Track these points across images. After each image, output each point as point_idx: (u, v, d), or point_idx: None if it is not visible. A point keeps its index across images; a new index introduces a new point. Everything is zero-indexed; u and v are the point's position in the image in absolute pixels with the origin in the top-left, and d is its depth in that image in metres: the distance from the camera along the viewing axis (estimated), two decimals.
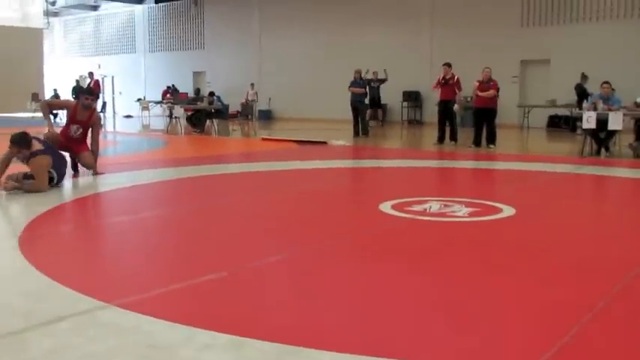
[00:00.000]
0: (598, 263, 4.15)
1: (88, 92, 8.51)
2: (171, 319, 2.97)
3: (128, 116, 27.55)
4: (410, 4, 21.63)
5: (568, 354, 2.65)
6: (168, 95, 24.36)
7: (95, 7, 32.38)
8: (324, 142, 13.41)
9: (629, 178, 8.74)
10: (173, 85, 25.86)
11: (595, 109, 10.98)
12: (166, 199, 6.95)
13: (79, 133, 8.09)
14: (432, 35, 21.26)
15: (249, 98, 22.73)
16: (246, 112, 18.94)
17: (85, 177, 8.03)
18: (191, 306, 3.26)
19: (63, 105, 10.88)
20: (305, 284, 3.67)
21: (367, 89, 16.57)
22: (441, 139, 13.38)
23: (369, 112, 17.81)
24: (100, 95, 23.45)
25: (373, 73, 19.99)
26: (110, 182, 7.61)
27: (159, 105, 24.10)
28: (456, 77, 13.31)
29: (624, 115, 10.87)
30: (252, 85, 23.63)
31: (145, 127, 21.38)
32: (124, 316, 3.03)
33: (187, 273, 3.82)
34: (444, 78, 13.33)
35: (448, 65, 13.39)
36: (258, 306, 3.26)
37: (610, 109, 10.89)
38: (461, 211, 5.78)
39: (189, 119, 17.96)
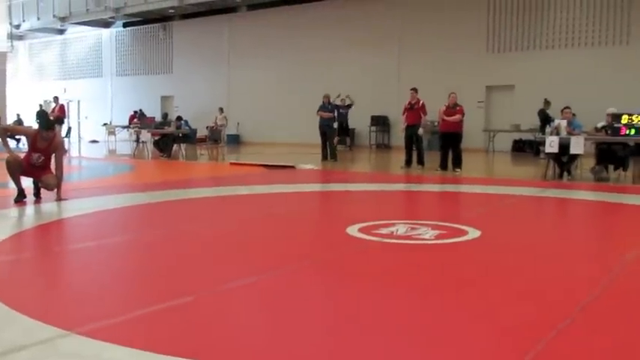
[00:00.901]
0: (560, 283, 4.21)
1: (47, 127, 8.06)
2: (134, 346, 2.92)
3: (94, 141, 27.23)
4: (379, 31, 21.93)
5: None
6: (135, 120, 24.16)
7: (62, 31, 32.12)
8: (292, 167, 13.44)
9: (591, 201, 8.90)
10: (140, 110, 25.67)
11: (557, 133, 11.20)
12: (131, 225, 6.87)
13: (40, 160, 7.93)
14: (400, 61, 21.56)
15: (219, 123, 22.67)
16: (214, 136, 18.88)
17: (49, 203, 7.89)
18: (155, 332, 3.22)
19: (22, 132, 10.67)
20: (272, 308, 3.65)
21: (336, 114, 16.69)
22: (408, 163, 13.50)
23: (337, 136, 17.91)
24: (65, 120, 23.12)
25: (341, 100, 20.21)
26: (74, 208, 7.49)
27: (125, 129, 23.88)
28: (421, 102, 13.48)
29: (585, 139, 11.11)
30: (221, 109, 23.58)
31: (111, 151, 21.17)
32: (85, 344, 2.97)
33: (151, 299, 3.77)
34: (409, 103, 13.50)
35: (415, 90, 13.57)
36: (223, 330, 3.23)
37: (572, 134, 11.13)
38: (427, 234, 5.82)
39: (156, 144, 17.84)
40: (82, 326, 3.17)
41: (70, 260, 5.11)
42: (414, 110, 13.46)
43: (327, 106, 15.77)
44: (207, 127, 21.87)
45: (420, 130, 13.61)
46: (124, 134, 24.92)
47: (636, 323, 3.40)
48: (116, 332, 3.15)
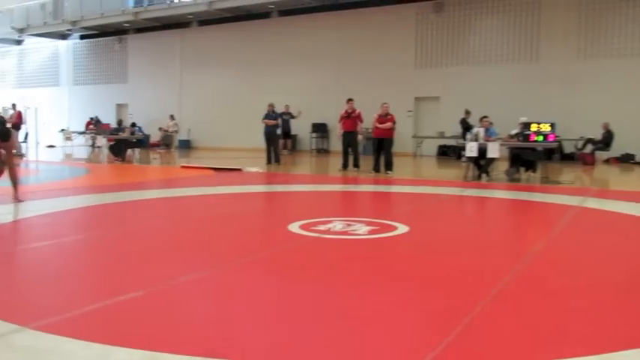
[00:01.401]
0: (478, 272, 4.30)
1: (3, 139, 7.61)
2: (87, 339, 2.83)
3: (51, 146, 26.31)
4: (318, 46, 22.02)
5: (452, 351, 2.73)
6: (91, 126, 23.51)
7: (19, 42, 30.96)
8: (239, 169, 13.32)
9: (505, 199, 9.15)
10: (96, 117, 24.97)
11: (476, 140, 11.47)
12: (86, 225, 6.67)
13: None
14: (339, 74, 21.69)
15: (170, 129, 22.21)
16: (166, 141, 18.56)
17: (5, 205, 7.57)
18: (107, 325, 3.13)
19: None
20: (218, 300, 3.61)
21: (279, 121, 16.65)
22: (345, 166, 13.58)
23: (280, 141, 17.88)
24: (23, 126, 22.26)
25: (285, 106, 20.21)
26: (31, 209, 7.22)
27: (82, 135, 23.19)
28: (357, 111, 13.61)
29: (500, 145, 11.42)
30: (172, 116, 23.13)
31: (68, 156, 20.51)
32: (39, 338, 2.87)
33: (104, 294, 3.67)
34: (346, 112, 13.59)
35: (351, 100, 13.68)
36: (172, 321, 3.17)
37: (488, 140, 11.42)
38: (361, 230, 5.86)
39: (111, 148, 17.40)
40: (36, 321, 3.06)
41: (25, 258, 4.91)
42: (351, 118, 13.57)
43: (271, 114, 15.71)
44: (159, 129, 21.52)
45: (360, 137, 13.76)
46: (80, 140, 24.23)
47: (541, 305, 3.50)
48: (70, 326, 3.05)
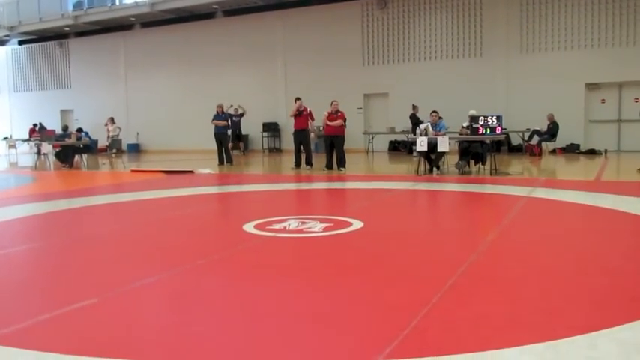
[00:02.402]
0: (433, 264, 4.38)
1: None
2: (41, 349, 2.76)
3: None
4: (263, 45, 21.97)
5: (410, 343, 2.77)
6: (35, 133, 22.80)
7: None
8: (191, 172, 13.17)
9: (457, 192, 9.33)
10: (40, 123, 24.24)
11: (426, 134, 11.64)
12: (34, 234, 6.48)
13: None
14: (286, 73, 21.70)
15: (111, 133, 21.40)
16: (114, 146, 18.18)
17: None
18: (61, 334, 3.06)
19: None
20: (174, 303, 3.56)
21: (229, 122, 16.53)
22: (297, 165, 13.60)
23: (231, 144, 17.77)
24: None
25: (235, 109, 20.10)
26: None
27: (26, 143, 22.50)
28: (308, 109, 13.66)
29: (450, 139, 11.63)
30: (112, 119, 22.06)
31: (13, 164, 19.86)
32: None
33: (57, 302, 3.58)
34: (297, 110, 13.60)
35: (299, 99, 13.71)
36: (128, 328, 3.12)
37: (437, 135, 11.62)
38: (316, 227, 5.89)
39: (57, 155, 16.92)
40: None
41: None
42: (302, 116, 13.60)
43: (220, 115, 15.59)
44: (108, 137, 21.04)
45: (312, 135, 13.80)
46: (24, 147, 23.49)
47: (494, 294, 3.60)
48: (22, 337, 2.97)
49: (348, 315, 3.25)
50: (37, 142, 18.51)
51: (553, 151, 17.12)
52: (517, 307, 3.32)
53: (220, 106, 15.84)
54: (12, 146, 23.26)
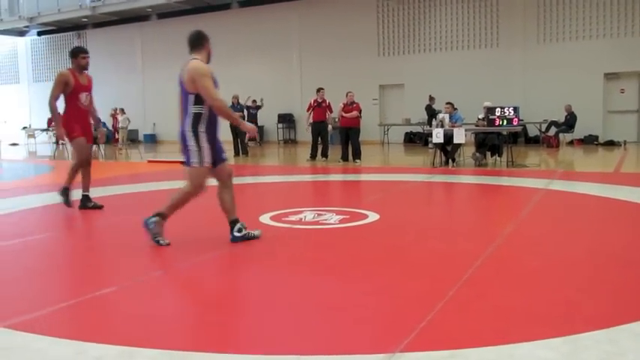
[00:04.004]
0: (449, 257, 4.37)
1: None
2: (60, 336, 2.80)
3: (14, 144, 25.73)
4: (278, 36, 21.97)
5: (426, 336, 2.77)
6: (53, 123, 22.98)
7: None
8: None
9: (473, 184, 9.28)
10: (58, 113, 24.42)
11: (442, 126, 11.58)
12: (53, 223, 6.54)
13: None
14: (302, 64, 21.67)
15: (120, 125, 21.24)
16: (131, 136, 18.30)
17: None
18: (81, 322, 3.10)
19: None
20: (192, 293, 3.59)
21: (245, 113, 16.54)
22: (313, 156, 13.59)
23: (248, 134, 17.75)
24: None
25: (252, 101, 20.07)
26: None
27: (45, 132, 22.72)
28: (327, 101, 13.63)
29: (466, 130, 11.56)
30: (122, 110, 22.03)
31: (32, 153, 20.07)
32: (10, 336, 2.82)
33: (76, 291, 3.62)
34: (316, 101, 13.56)
35: (321, 89, 13.66)
36: (147, 317, 3.14)
37: (454, 126, 11.55)
38: (332, 219, 5.89)
39: None
40: (5, 320, 3.00)
41: None
42: (321, 108, 13.57)
43: (236, 106, 15.63)
44: (113, 127, 21.04)
45: (330, 127, 13.80)
46: (43, 137, 23.73)
47: (511, 287, 3.58)
48: (42, 324, 3.01)
49: (365, 307, 3.24)
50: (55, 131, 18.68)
51: (571, 143, 16.96)
52: (535, 300, 3.29)
53: (236, 97, 15.87)
54: (31, 135, 23.51)
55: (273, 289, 3.63)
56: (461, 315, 3.07)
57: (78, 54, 6.87)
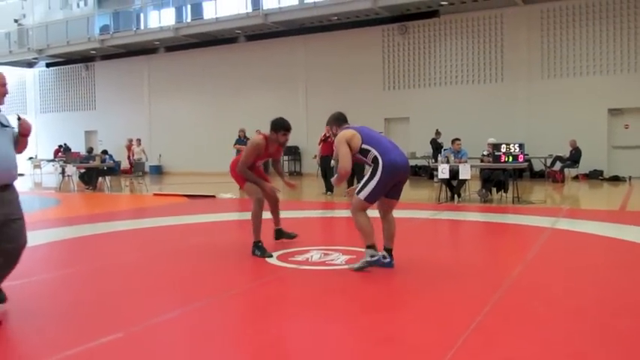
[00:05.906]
0: (457, 302, 4.32)
1: None
2: None
3: (20, 174, 25.85)
4: (285, 70, 22.24)
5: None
6: (60, 154, 23.16)
7: None
8: (213, 196, 13.24)
9: (479, 222, 9.24)
10: (65, 144, 24.66)
11: (448, 162, 11.62)
12: (59, 261, 6.54)
13: None
14: (307, 97, 21.87)
15: (136, 157, 21.19)
16: (138, 168, 18.38)
17: None
18: None
19: None
20: (200, 339, 3.56)
21: None
22: (328, 189, 13.51)
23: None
24: None
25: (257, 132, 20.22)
26: None
27: (51, 163, 22.87)
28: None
29: (471, 166, 11.58)
30: (139, 140, 21.96)
31: (37, 184, 20.17)
32: None
33: (81, 337, 3.59)
34: (325, 135, 13.58)
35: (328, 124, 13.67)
36: None
37: (459, 162, 11.57)
38: (339, 259, 5.87)
39: (81, 177, 17.18)
40: None
41: None
42: (328, 143, 13.58)
43: (242, 139, 15.73)
44: (128, 158, 21.09)
45: (332, 162, 13.80)
46: (49, 168, 23.88)
47: (519, 337, 3.54)
48: None
49: (371, 357, 3.21)
50: (61, 162, 18.80)
51: (576, 177, 16.96)
52: (545, 352, 3.26)
53: (242, 131, 16.00)
54: (37, 166, 23.66)
55: (280, 336, 3.60)
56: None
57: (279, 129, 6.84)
